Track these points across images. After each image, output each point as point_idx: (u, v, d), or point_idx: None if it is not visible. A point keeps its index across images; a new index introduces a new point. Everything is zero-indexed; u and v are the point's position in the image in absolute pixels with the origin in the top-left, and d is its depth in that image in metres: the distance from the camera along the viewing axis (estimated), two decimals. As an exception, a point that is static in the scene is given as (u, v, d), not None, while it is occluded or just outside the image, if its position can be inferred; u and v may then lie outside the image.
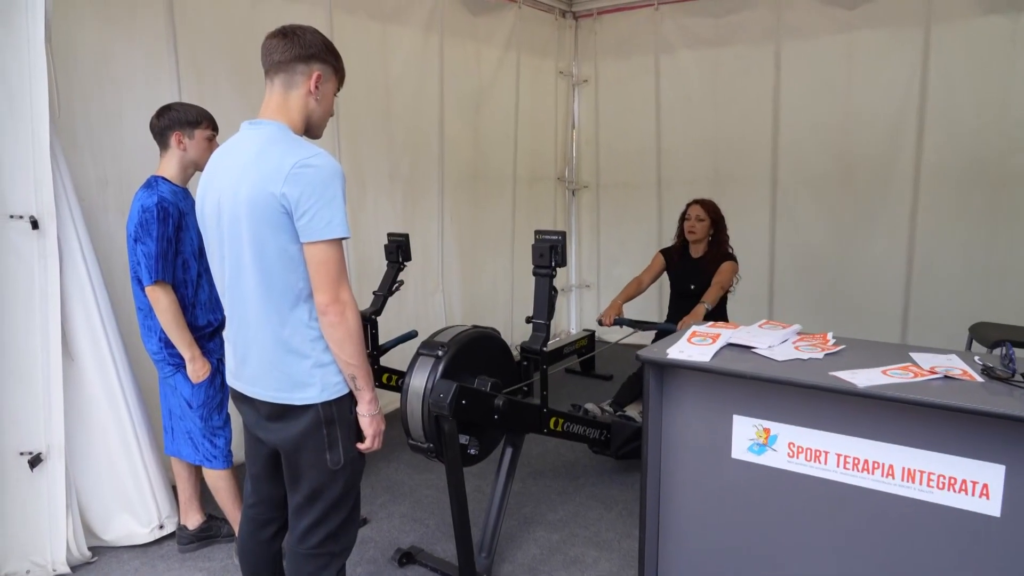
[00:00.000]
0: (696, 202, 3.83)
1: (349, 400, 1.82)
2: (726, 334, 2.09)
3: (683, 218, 3.87)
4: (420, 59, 4.58)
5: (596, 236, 5.96)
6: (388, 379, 3.54)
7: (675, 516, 2.10)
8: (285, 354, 1.76)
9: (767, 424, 1.90)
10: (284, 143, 1.68)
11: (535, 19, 5.48)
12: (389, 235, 3.53)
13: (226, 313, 1.87)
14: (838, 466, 1.80)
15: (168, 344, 2.55)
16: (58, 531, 2.66)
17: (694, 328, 2.16)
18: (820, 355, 1.93)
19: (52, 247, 2.58)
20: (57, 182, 2.59)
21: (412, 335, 3.60)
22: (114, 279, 2.91)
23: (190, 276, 2.55)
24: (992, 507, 1.62)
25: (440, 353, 2.50)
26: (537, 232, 2.79)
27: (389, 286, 3.50)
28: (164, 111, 2.53)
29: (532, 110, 5.54)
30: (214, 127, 2.58)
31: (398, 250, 3.49)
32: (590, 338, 5.07)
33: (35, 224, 2.54)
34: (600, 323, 3.65)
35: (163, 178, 2.53)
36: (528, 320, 2.85)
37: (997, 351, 1.86)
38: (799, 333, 2.16)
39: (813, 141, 4.84)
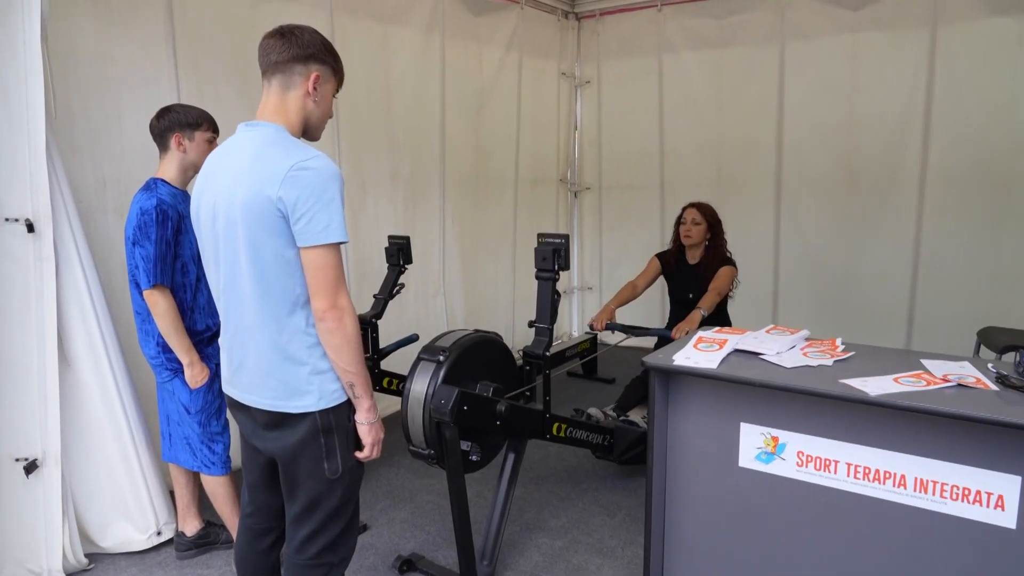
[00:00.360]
0: (692, 205, 3.75)
1: (347, 408, 1.78)
2: (733, 340, 2.05)
3: (679, 222, 3.78)
4: (421, 60, 4.55)
5: (598, 238, 5.92)
6: (389, 383, 3.50)
7: (681, 525, 2.06)
8: (282, 361, 1.72)
9: (775, 432, 1.85)
10: (281, 145, 1.65)
11: (537, 20, 5.45)
12: (390, 237, 3.50)
13: (221, 319, 1.83)
14: (848, 475, 1.76)
15: (166, 349, 2.52)
16: (54, 538, 2.62)
17: (700, 334, 2.13)
18: (829, 362, 1.89)
19: (48, 250, 2.55)
20: (53, 184, 2.56)
21: (413, 339, 3.57)
22: (112, 282, 2.88)
23: (189, 280, 2.52)
24: (1007, 519, 1.58)
25: (441, 358, 2.46)
26: (540, 235, 2.76)
27: (390, 289, 3.46)
28: (164, 112, 2.50)
29: (534, 111, 5.51)
30: (215, 129, 2.54)
31: (399, 253, 3.45)
32: (592, 341, 5.04)
33: (31, 227, 2.50)
34: (591, 328, 3.57)
35: (162, 180, 2.50)
36: (531, 324, 2.81)
37: (1010, 358, 1.82)
38: (807, 339, 2.12)
39: (817, 143, 4.80)
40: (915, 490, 1.67)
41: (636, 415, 3.58)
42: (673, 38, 5.28)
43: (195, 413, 2.59)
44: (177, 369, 2.55)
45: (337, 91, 1.80)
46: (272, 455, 1.84)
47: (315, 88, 1.71)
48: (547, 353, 2.71)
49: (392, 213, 4.44)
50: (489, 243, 5.31)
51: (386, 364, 3.52)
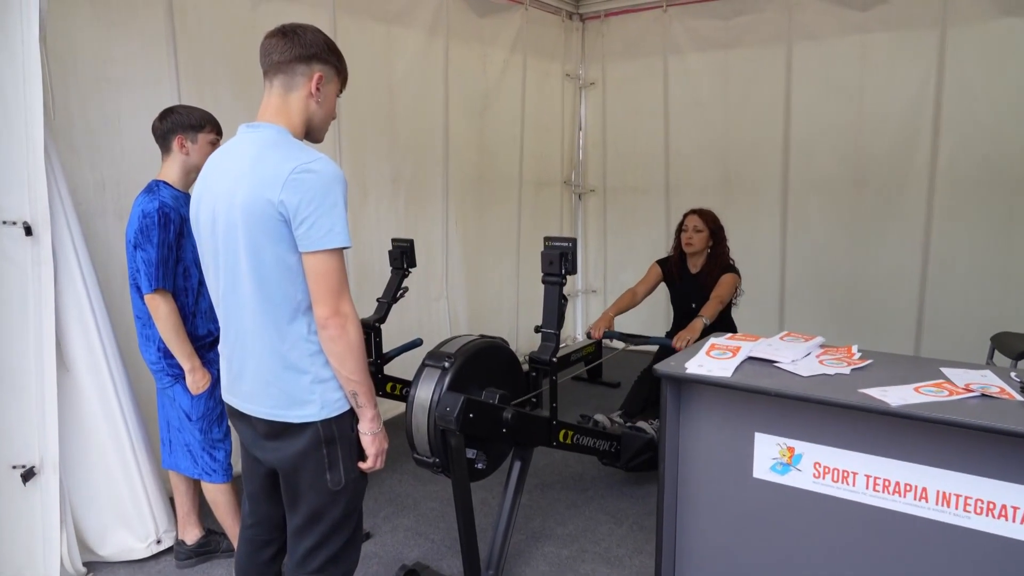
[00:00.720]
0: (694, 212, 3.66)
1: (350, 417, 1.74)
2: (746, 347, 1.99)
3: (680, 229, 3.69)
4: (425, 61, 4.51)
5: (603, 241, 5.87)
6: (392, 388, 3.45)
7: (693, 537, 2.01)
8: (283, 369, 1.67)
9: (791, 443, 1.80)
10: (283, 147, 1.60)
11: (541, 21, 5.40)
12: (393, 240, 3.45)
13: (220, 325, 1.78)
14: (867, 488, 1.71)
15: (167, 354, 2.47)
16: (52, 546, 2.58)
17: (712, 340, 2.07)
18: (847, 370, 1.84)
19: (46, 254, 2.50)
20: (52, 186, 2.51)
21: (417, 343, 3.52)
22: (111, 286, 2.84)
23: (191, 284, 2.48)
24: (1034, 534, 1.53)
25: (447, 364, 2.41)
26: (547, 239, 2.70)
27: (393, 293, 3.41)
28: (167, 114, 2.46)
29: (538, 113, 5.46)
30: (218, 131, 2.50)
31: (402, 256, 3.40)
32: (597, 345, 4.98)
33: (29, 230, 2.46)
34: (589, 336, 3.49)
35: (165, 183, 2.46)
36: (537, 329, 2.76)
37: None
38: (822, 346, 2.06)
39: (825, 145, 4.74)
40: (937, 503, 1.62)
41: (642, 421, 3.53)
42: (679, 39, 5.23)
43: (196, 420, 2.55)
44: (178, 375, 2.50)
45: (341, 92, 1.75)
46: (273, 466, 1.80)
47: (318, 89, 1.66)
48: (554, 359, 2.66)
49: (394, 215, 4.40)
50: (492, 246, 5.27)
51: (389, 369, 3.47)
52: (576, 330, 6.12)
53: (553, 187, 5.79)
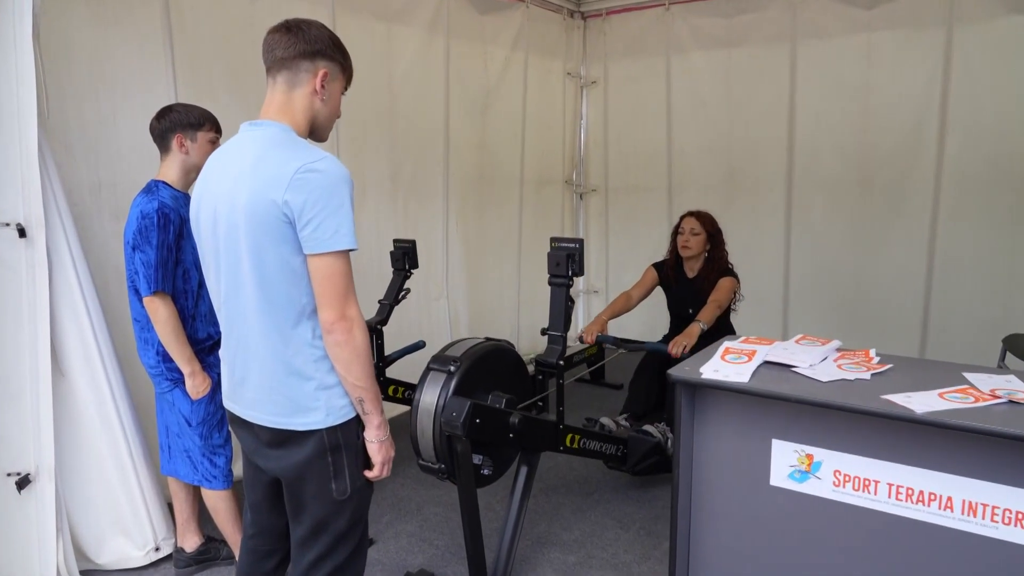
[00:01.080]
0: (691, 214, 3.57)
1: (356, 424, 1.68)
2: (762, 351, 1.94)
3: (676, 232, 3.59)
4: (425, 59, 4.45)
5: (605, 241, 5.82)
6: (394, 391, 3.40)
7: (707, 546, 1.95)
8: (286, 376, 1.62)
9: (810, 450, 1.75)
10: (287, 146, 1.55)
11: (543, 19, 5.35)
12: (395, 241, 3.40)
13: (222, 330, 1.73)
14: (890, 497, 1.66)
15: (166, 358, 2.42)
16: (48, 555, 2.52)
17: (727, 344, 2.02)
18: (867, 375, 1.79)
19: (41, 256, 2.44)
20: (46, 187, 2.45)
21: (420, 346, 3.47)
22: (107, 289, 2.78)
23: (190, 287, 2.42)
24: (1064, 545, 1.48)
25: (452, 368, 2.36)
26: (553, 239, 2.66)
27: (395, 294, 3.36)
28: (165, 113, 2.40)
29: (539, 112, 5.41)
30: (217, 129, 2.45)
31: (404, 257, 3.35)
32: (599, 346, 4.93)
33: (22, 232, 2.39)
34: (580, 340, 3.39)
35: (164, 183, 2.40)
36: (543, 332, 2.71)
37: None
38: (839, 350, 2.01)
39: (830, 144, 4.69)
40: (963, 513, 1.57)
41: (648, 424, 3.47)
42: (681, 37, 5.18)
43: (196, 425, 2.49)
44: (178, 379, 2.45)
45: (346, 89, 1.70)
46: (276, 475, 1.74)
47: (323, 86, 1.61)
48: (561, 362, 2.61)
49: (393, 215, 4.34)
50: (493, 245, 5.22)
51: (391, 371, 3.42)
52: (577, 331, 6.05)
53: (554, 186, 5.74)
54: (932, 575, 1.64)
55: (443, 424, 2.27)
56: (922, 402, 1.57)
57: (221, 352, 1.78)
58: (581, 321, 6.04)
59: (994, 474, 1.53)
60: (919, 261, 4.44)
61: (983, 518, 1.55)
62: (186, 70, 3.18)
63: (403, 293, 3.37)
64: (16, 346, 2.45)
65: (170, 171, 2.42)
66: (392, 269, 3.41)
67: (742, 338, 2.11)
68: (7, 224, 2.39)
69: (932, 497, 1.60)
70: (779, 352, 1.94)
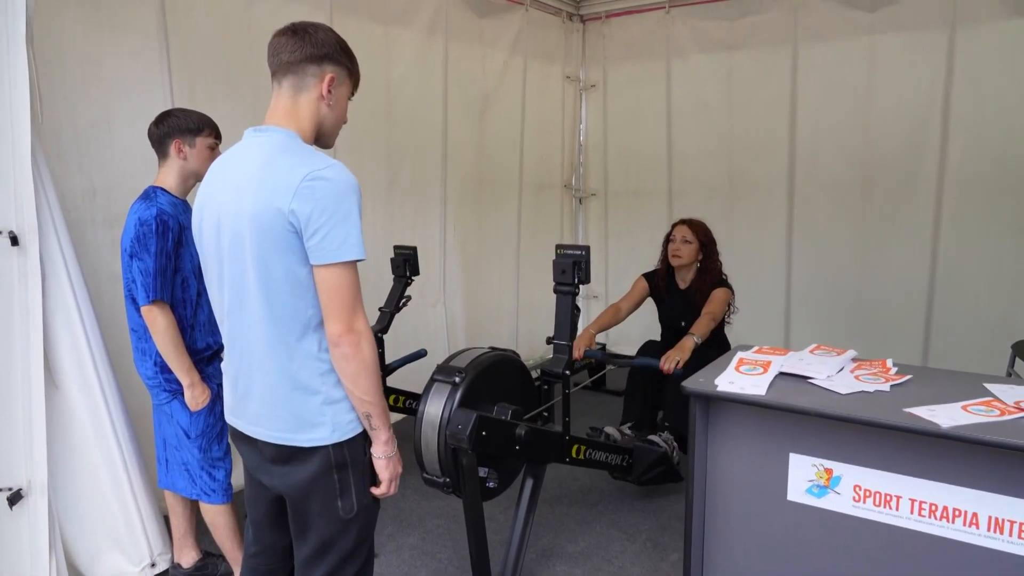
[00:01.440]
0: (682, 222, 3.47)
1: (363, 440, 1.63)
2: (777, 361, 1.90)
3: (667, 240, 3.49)
4: (424, 62, 4.40)
5: (604, 245, 5.77)
6: (395, 400, 3.34)
7: (723, 563, 1.91)
8: (292, 390, 1.57)
9: (829, 464, 1.71)
10: (293, 153, 1.50)
11: (542, 22, 5.30)
12: (396, 248, 3.34)
13: (225, 343, 1.68)
14: (912, 512, 1.62)
15: (164, 369, 2.36)
16: (40, 572, 2.44)
17: (740, 355, 1.98)
18: (886, 387, 1.75)
19: (34, 265, 2.37)
20: (39, 194, 2.39)
21: (421, 354, 3.42)
22: (102, 298, 2.71)
23: (189, 295, 2.36)
24: (1095, 563, 1.44)
25: (457, 380, 2.31)
26: (559, 246, 2.61)
27: (396, 302, 3.31)
28: (163, 118, 2.35)
29: (538, 116, 5.36)
30: (217, 135, 2.39)
31: (405, 264, 3.30)
32: (601, 352, 4.88)
33: (15, 240, 2.33)
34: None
35: (162, 189, 2.35)
36: (549, 341, 2.66)
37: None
38: (855, 359, 1.97)
39: (832, 148, 4.66)
40: (989, 530, 1.53)
41: (653, 434, 3.42)
42: (682, 40, 5.14)
43: (195, 437, 2.43)
44: (176, 390, 2.39)
45: (352, 94, 1.66)
46: (280, 492, 1.69)
47: (329, 91, 1.56)
48: (568, 372, 2.56)
49: (390, 220, 4.27)
50: (491, 250, 5.16)
51: (391, 380, 3.36)
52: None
53: (553, 191, 5.69)
54: (957, 593, 1.59)
55: (448, 437, 2.21)
56: (947, 416, 1.53)
57: (224, 365, 1.72)
58: (581, 325, 5.98)
59: (1022, 489, 1.49)
60: (922, 265, 4.41)
61: (1010, 535, 1.51)
62: (182, 73, 3.12)
63: (404, 300, 3.31)
64: (8, 357, 2.39)
65: (168, 177, 2.37)
66: (393, 276, 3.35)
67: (755, 348, 2.07)
68: (-1, 232, 2.33)
69: (957, 513, 1.56)
70: (794, 363, 1.90)
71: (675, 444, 3.20)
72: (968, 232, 4.27)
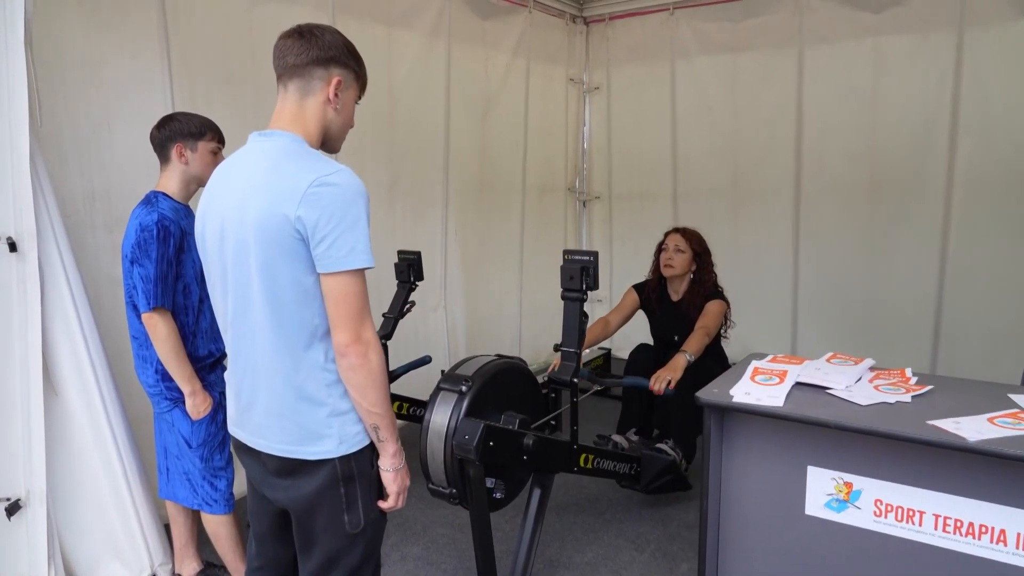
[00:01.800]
0: (676, 230, 3.37)
1: (370, 452, 1.59)
2: (793, 371, 1.86)
3: (659, 248, 3.37)
4: (426, 65, 4.36)
5: (609, 249, 5.73)
6: (399, 407, 3.30)
7: (738, 578, 1.86)
8: (297, 401, 1.52)
9: (849, 477, 1.66)
10: (300, 158, 1.45)
11: (545, 24, 5.26)
12: (400, 253, 3.30)
13: (228, 353, 1.63)
14: (936, 528, 1.57)
15: (166, 376, 2.32)
16: (39, 583, 2.41)
17: (755, 364, 1.93)
18: (907, 397, 1.70)
19: (32, 271, 2.33)
20: (38, 198, 2.35)
21: (426, 360, 3.38)
22: (101, 304, 2.67)
23: (191, 302, 2.32)
24: None
25: (464, 388, 2.26)
26: (566, 252, 2.57)
27: (400, 307, 3.27)
28: (165, 122, 2.31)
29: (542, 118, 5.32)
30: (220, 139, 2.35)
31: (409, 269, 3.26)
32: (606, 357, 4.85)
33: (13, 246, 2.29)
34: (550, 380, 2.91)
35: (163, 194, 2.30)
36: (556, 348, 2.61)
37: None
38: (873, 368, 1.93)
39: (838, 150, 4.62)
40: (1018, 547, 1.48)
41: (660, 442, 3.37)
42: (686, 42, 5.10)
43: (197, 447, 2.39)
44: (177, 399, 2.34)
45: (359, 98, 1.61)
46: (284, 506, 1.64)
47: (336, 95, 1.52)
48: (575, 380, 2.52)
49: (390, 223, 4.22)
50: (494, 254, 5.11)
51: (396, 387, 3.31)
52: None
53: (557, 194, 5.65)
54: (982, 611, 1.55)
55: (456, 447, 2.17)
56: (973, 428, 1.49)
57: (227, 375, 1.68)
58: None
59: (1051, 506, 1.44)
60: (930, 269, 4.36)
61: (1039, 552, 1.47)
62: (183, 75, 3.07)
63: (408, 306, 3.27)
64: (7, 364, 2.35)
65: (170, 182, 2.33)
66: (396, 281, 3.31)
67: (769, 356, 2.02)
68: (-3, 238, 2.28)
69: (984, 529, 1.51)
70: (811, 372, 1.86)
71: (678, 451, 3.15)
72: (977, 235, 4.22)
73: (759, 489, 1.79)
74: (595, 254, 2.50)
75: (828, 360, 1.97)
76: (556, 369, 2.61)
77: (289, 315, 1.47)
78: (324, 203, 1.39)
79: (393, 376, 3.27)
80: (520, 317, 5.30)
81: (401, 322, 3.32)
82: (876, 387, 1.77)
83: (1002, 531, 1.50)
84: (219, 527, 2.45)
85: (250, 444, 1.62)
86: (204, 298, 2.34)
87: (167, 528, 2.67)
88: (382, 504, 1.62)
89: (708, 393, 1.79)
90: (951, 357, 4.29)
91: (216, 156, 2.32)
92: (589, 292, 2.55)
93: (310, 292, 1.46)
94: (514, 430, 2.28)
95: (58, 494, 2.48)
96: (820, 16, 4.54)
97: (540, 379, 2.67)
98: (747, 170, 5.01)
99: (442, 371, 2.47)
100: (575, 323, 2.55)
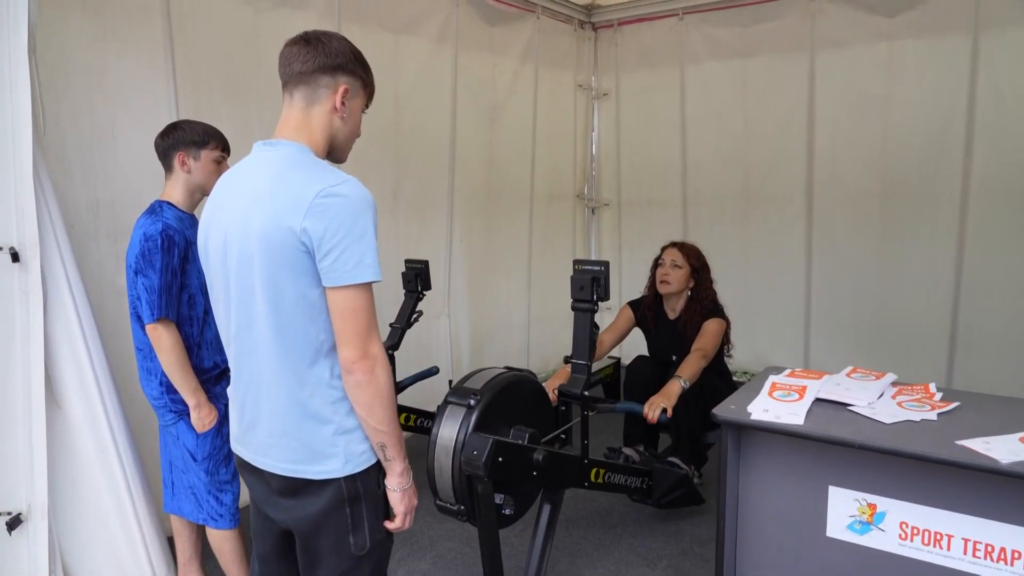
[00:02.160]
0: (673, 245, 3.23)
1: (376, 472, 1.54)
2: (813, 386, 1.80)
3: (656, 264, 3.24)
4: (433, 71, 4.32)
5: (618, 256, 5.67)
6: (406, 419, 3.25)
7: (756, 601, 1.80)
8: (302, 419, 1.48)
9: (873, 498, 1.60)
10: (305, 168, 1.41)
11: (553, 30, 5.23)
12: (407, 262, 3.26)
13: (231, 368, 1.59)
14: (965, 553, 1.51)
15: (170, 389, 2.28)
16: (40, 598, 2.37)
17: (773, 379, 1.87)
18: (933, 415, 1.64)
19: (35, 281, 2.30)
20: (41, 207, 2.32)
21: (433, 371, 3.33)
22: (105, 315, 2.63)
23: (196, 313, 2.28)
24: None
25: (472, 402, 2.21)
26: (576, 262, 2.52)
27: (407, 317, 3.22)
28: (169, 130, 2.28)
29: (550, 125, 5.28)
30: (224, 148, 2.32)
31: (417, 278, 3.22)
32: (616, 367, 4.78)
33: (15, 256, 2.26)
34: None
35: (168, 203, 2.27)
36: (567, 360, 2.56)
37: None
38: (895, 384, 1.87)
39: (851, 156, 4.55)
40: (1052, 574, 1.42)
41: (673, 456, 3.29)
42: (696, 48, 5.05)
43: (202, 460, 2.34)
44: (182, 411, 2.30)
45: (367, 107, 1.57)
46: (288, 526, 1.60)
47: (343, 103, 1.48)
48: (587, 393, 2.46)
49: (394, 231, 4.18)
50: (501, 262, 5.07)
51: (403, 398, 3.26)
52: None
53: (565, 201, 5.61)
54: (1014, 640, 1.48)
55: (464, 463, 2.11)
56: (1005, 449, 1.43)
57: (230, 391, 1.64)
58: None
59: (1088, 531, 1.38)
60: (946, 278, 4.28)
61: (1075, 580, 1.40)
62: (188, 83, 3.04)
63: (415, 316, 3.22)
64: (8, 376, 2.31)
65: (174, 191, 2.29)
66: (404, 291, 3.27)
67: (787, 371, 1.96)
68: (0, 248, 2.25)
69: (1016, 555, 1.45)
70: (831, 388, 1.80)
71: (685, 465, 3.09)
72: (994, 243, 4.15)
73: (778, 509, 1.73)
74: (606, 264, 2.45)
75: (848, 375, 1.91)
76: (567, 382, 2.55)
77: (294, 330, 1.43)
78: (330, 215, 1.35)
79: (400, 387, 3.22)
80: (528, 325, 5.25)
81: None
82: (899, 404, 1.71)
83: (1036, 557, 1.44)
84: (224, 542, 2.41)
85: (253, 463, 1.57)
86: (209, 309, 2.29)
87: (170, 541, 2.62)
88: (389, 525, 1.57)
89: (725, 410, 1.73)
90: (968, 369, 4.21)
91: (220, 165, 2.29)
92: (600, 303, 2.50)
93: (315, 306, 1.42)
94: (524, 445, 2.23)
95: (60, 507, 2.44)
96: (832, 20, 4.49)
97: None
98: (758, 177, 4.95)
99: (449, 381, 2.42)
100: (585, 335, 2.49)
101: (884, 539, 1.60)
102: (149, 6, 2.92)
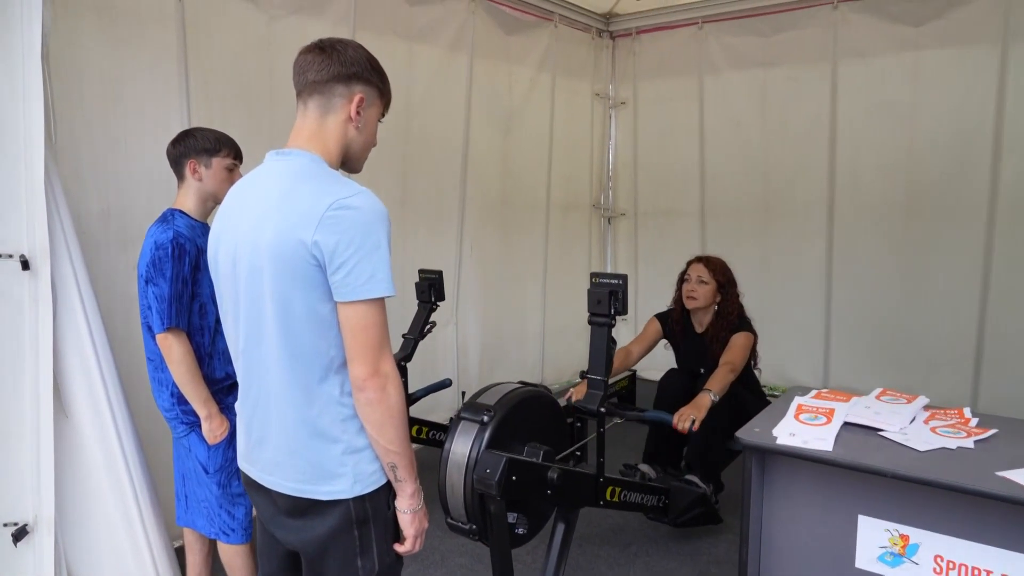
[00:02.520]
0: (698, 260, 3.22)
1: (386, 493, 1.49)
2: (841, 409, 1.73)
3: (682, 279, 3.24)
4: (447, 79, 4.29)
5: (634, 267, 5.60)
6: (418, 431, 3.20)
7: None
8: (310, 438, 1.43)
9: (905, 529, 1.53)
10: (318, 179, 1.37)
11: (571, 39, 5.19)
12: (421, 272, 3.22)
13: (239, 384, 1.55)
14: (1005, 590, 1.43)
15: (181, 400, 2.24)
16: (45, 611, 2.33)
17: (799, 401, 1.80)
18: (969, 443, 1.57)
19: (45, 290, 2.27)
20: (53, 215, 2.29)
21: (446, 384, 3.28)
22: (115, 324, 2.60)
23: (207, 322, 2.24)
24: None
25: (485, 418, 2.15)
26: (593, 275, 2.45)
27: (421, 328, 3.17)
28: (181, 138, 2.26)
29: (566, 134, 5.23)
30: (236, 155, 2.29)
31: (430, 289, 3.17)
32: (631, 379, 4.70)
33: (26, 264, 2.23)
34: (569, 402, 2.79)
35: (180, 211, 2.24)
36: (583, 375, 2.50)
37: None
38: (927, 407, 1.79)
39: (874, 168, 4.46)
40: (1099, 615, 1.34)
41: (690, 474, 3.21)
42: (715, 57, 4.99)
43: (214, 472, 2.30)
44: (194, 423, 2.26)
45: (383, 116, 1.53)
46: (295, 547, 1.55)
47: (359, 112, 1.43)
48: (603, 409, 2.40)
49: (401, 239, 4.13)
50: (515, 271, 5.01)
51: (415, 411, 3.22)
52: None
53: (581, 211, 5.55)
54: None
55: (476, 481, 2.05)
56: (1049, 483, 1.35)
57: (237, 407, 1.60)
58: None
59: None
60: (971, 294, 4.17)
61: (1125, 622, 1.32)
62: (200, 91, 3.02)
63: (428, 327, 3.18)
64: (17, 386, 2.29)
65: (186, 199, 2.27)
66: (417, 301, 3.22)
67: (814, 392, 1.89)
68: (10, 256, 2.23)
69: (1060, 594, 1.37)
70: (861, 411, 1.73)
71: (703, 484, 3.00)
72: (1022, 257, 4.03)
73: (804, 538, 1.66)
74: (624, 277, 2.39)
75: (878, 397, 1.84)
76: (583, 397, 2.49)
77: (303, 345, 1.39)
78: (343, 227, 1.31)
79: (412, 399, 3.17)
80: (543, 336, 5.19)
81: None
82: (933, 429, 1.64)
83: (1082, 596, 1.36)
84: (234, 557, 2.36)
85: (260, 481, 1.53)
86: (221, 318, 2.26)
87: (179, 553, 2.58)
88: (398, 547, 1.52)
89: (749, 433, 1.66)
90: (994, 388, 4.09)
91: (232, 173, 2.25)
92: (617, 317, 2.44)
93: (326, 321, 1.37)
94: (538, 463, 2.17)
95: (67, 519, 2.41)
96: (855, 30, 4.42)
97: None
98: (778, 188, 4.87)
99: (462, 393, 2.37)
100: (602, 349, 2.43)
101: (917, 572, 1.52)
102: (163, 14, 2.90)
